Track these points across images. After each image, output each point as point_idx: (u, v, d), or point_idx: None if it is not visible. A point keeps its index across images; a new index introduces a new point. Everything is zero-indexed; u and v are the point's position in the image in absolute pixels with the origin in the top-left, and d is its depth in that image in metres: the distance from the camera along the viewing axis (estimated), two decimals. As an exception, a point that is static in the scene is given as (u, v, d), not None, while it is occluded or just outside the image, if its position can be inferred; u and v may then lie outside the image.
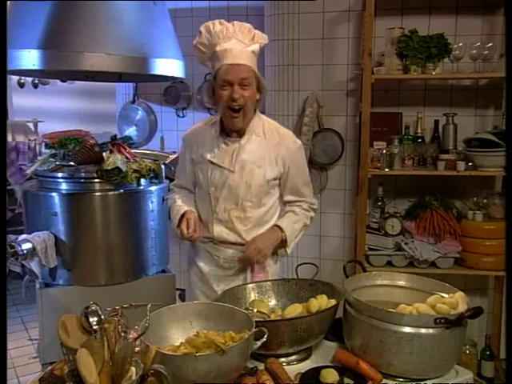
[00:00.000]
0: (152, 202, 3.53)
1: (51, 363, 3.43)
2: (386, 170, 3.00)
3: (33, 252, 3.23)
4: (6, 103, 1.84)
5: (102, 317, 1.25)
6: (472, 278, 3.20)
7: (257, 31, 2.05)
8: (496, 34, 3.18)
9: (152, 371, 1.23)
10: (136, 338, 1.22)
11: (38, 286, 3.42)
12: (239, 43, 1.98)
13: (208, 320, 1.58)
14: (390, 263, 3.10)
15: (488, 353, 3.19)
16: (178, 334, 1.56)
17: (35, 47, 3.14)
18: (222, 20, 2.02)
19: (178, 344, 1.50)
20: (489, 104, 3.25)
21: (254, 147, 2.09)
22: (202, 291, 2.26)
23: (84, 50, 3.12)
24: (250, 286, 1.92)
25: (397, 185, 3.31)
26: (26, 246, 3.19)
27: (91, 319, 1.23)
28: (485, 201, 3.07)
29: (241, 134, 2.10)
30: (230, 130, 2.10)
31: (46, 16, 3.17)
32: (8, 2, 3.23)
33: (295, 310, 1.67)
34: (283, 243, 2.15)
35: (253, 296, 1.90)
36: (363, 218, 3.04)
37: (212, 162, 2.09)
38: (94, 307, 1.24)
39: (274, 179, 2.12)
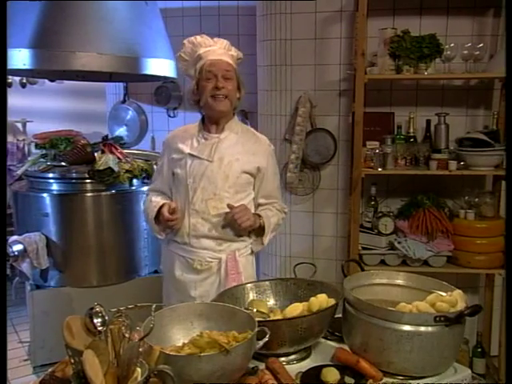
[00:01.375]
0: (144, 203, 3.51)
1: (42, 366, 3.42)
2: (379, 169, 3.01)
3: (24, 253, 3.21)
4: (6, 103, 1.82)
5: (106, 318, 1.24)
6: (463, 276, 3.22)
7: (233, 47, 2.26)
8: (485, 35, 3.21)
9: (155, 372, 1.23)
10: (141, 339, 1.21)
11: (28, 287, 3.40)
12: (220, 48, 2.21)
13: (209, 320, 1.58)
14: (383, 262, 3.11)
15: (479, 350, 3.22)
16: (179, 334, 1.55)
17: (26, 46, 3.12)
18: (203, 34, 2.23)
19: (179, 344, 1.49)
20: (479, 104, 3.28)
21: (232, 142, 2.21)
22: (180, 300, 2.23)
23: (75, 50, 3.11)
24: (249, 285, 1.92)
25: (389, 184, 3.33)
26: (17, 247, 3.18)
27: (95, 320, 1.22)
28: (476, 200, 3.09)
29: (220, 129, 2.22)
30: (212, 121, 2.21)
31: (36, 15, 3.15)
32: None
33: (296, 309, 1.67)
34: (260, 231, 2.23)
35: (251, 296, 1.90)
36: (357, 218, 3.05)
37: (191, 155, 2.18)
38: (98, 308, 1.23)
39: (249, 173, 2.21)
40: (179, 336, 1.55)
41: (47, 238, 3.30)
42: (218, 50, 2.18)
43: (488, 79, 3.19)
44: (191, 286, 2.22)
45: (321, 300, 1.68)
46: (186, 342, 1.47)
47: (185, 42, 2.22)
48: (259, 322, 1.51)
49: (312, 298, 1.69)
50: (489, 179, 3.29)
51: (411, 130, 3.15)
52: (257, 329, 1.44)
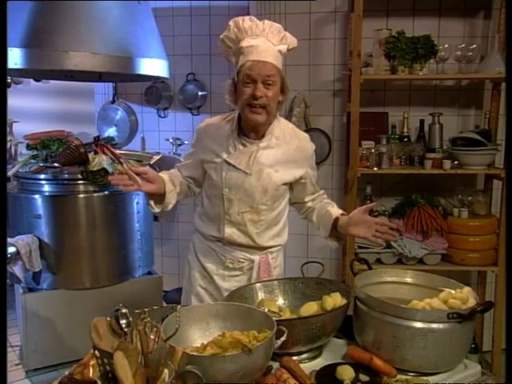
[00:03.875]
0: (137, 204, 3.49)
1: (35, 370, 3.36)
2: (375, 168, 3.04)
3: (16, 256, 3.15)
4: (6, 103, 1.79)
5: (131, 319, 1.23)
6: (455, 274, 3.26)
7: (287, 33, 1.98)
8: (476, 36, 3.27)
9: (180, 373, 1.22)
10: (166, 340, 1.20)
11: (21, 290, 3.34)
12: (267, 42, 1.91)
13: (225, 320, 1.57)
14: (379, 261, 3.15)
15: (473, 346, 3.27)
16: (195, 334, 1.54)
17: (17, 46, 3.07)
18: (253, 17, 1.96)
19: (197, 345, 1.49)
20: (470, 104, 3.34)
21: (273, 151, 2.03)
22: (205, 288, 2.20)
23: (68, 49, 3.07)
24: (258, 285, 1.92)
25: (383, 183, 3.36)
26: (10, 249, 3.11)
27: (121, 321, 1.21)
28: (469, 198, 3.14)
29: (259, 136, 2.02)
30: (250, 128, 2.01)
31: (28, 14, 3.11)
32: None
33: (311, 308, 1.68)
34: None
35: (260, 295, 1.90)
36: (353, 217, 3.07)
37: (228, 163, 2.01)
38: (123, 310, 1.22)
39: (289, 183, 2.09)
40: (196, 336, 1.54)
41: (39, 239, 3.25)
42: (262, 46, 1.88)
43: (479, 80, 3.25)
44: (219, 277, 2.15)
45: (335, 299, 1.69)
46: (204, 342, 1.47)
47: (230, 23, 1.94)
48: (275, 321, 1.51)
49: (326, 297, 1.70)
50: (480, 178, 3.35)
51: (405, 130, 3.19)
52: (276, 328, 1.44)
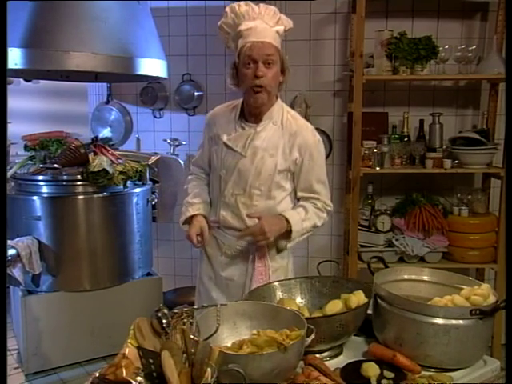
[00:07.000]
0: (137, 204, 3.47)
1: (35, 373, 3.31)
2: (377, 168, 3.07)
3: (16, 258, 3.11)
4: (6, 103, 1.79)
5: (170, 319, 1.23)
6: (454, 271, 3.30)
7: (282, 15, 2.04)
8: (474, 38, 3.32)
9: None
10: (207, 339, 1.20)
11: (20, 293, 3.30)
12: (264, 24, 1.98)
13: (252, 319, 1.58)
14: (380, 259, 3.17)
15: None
16: (223, 334, 1.54)
17: (17, 46, 3.03)
18: (248, 1, 2.01)
19: (225, 344, 1.49)
20: (468, 104, 3.39)
21: (269, 135, 2.07)
22: (208, 275, 2.28)
23: (70, 50, 3.03)
24: (275, 284, 1.92)
25: (383, 183, 3.40)
26: (11, 252, 3.07)
27: (164, 321, 1.21)
28: (469, 197, 3.19)
29: (258, 119, 2.08)
30: (251, 111, 2.08)
31: (28, 14, 3.07)
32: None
33: (336, 306, 1.69)
34: (287, 236, 2.09)
35: (278, 295, 1.90)
36: (356, 216, 3.10)
37: (226, 145, 2.09)
38: (165, 310, 1.22)
39: (286, 170, 2.09)
40: (224, 336, 1.54)
41: (39, 241, 3.21)
42: (260, 27, 1.95)
43: (476, 80, 3.30)
44: (219, 265, 2.22)
45: (359, 297, 1.70)
46: (235, 341, 1.47)
47: (227, 10, 2.02)
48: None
49: (350, 295, 1.71)
50: (478, 177, 3.40)
51: (405, 130, 3.23)
52: (306, 326, 1.45)
